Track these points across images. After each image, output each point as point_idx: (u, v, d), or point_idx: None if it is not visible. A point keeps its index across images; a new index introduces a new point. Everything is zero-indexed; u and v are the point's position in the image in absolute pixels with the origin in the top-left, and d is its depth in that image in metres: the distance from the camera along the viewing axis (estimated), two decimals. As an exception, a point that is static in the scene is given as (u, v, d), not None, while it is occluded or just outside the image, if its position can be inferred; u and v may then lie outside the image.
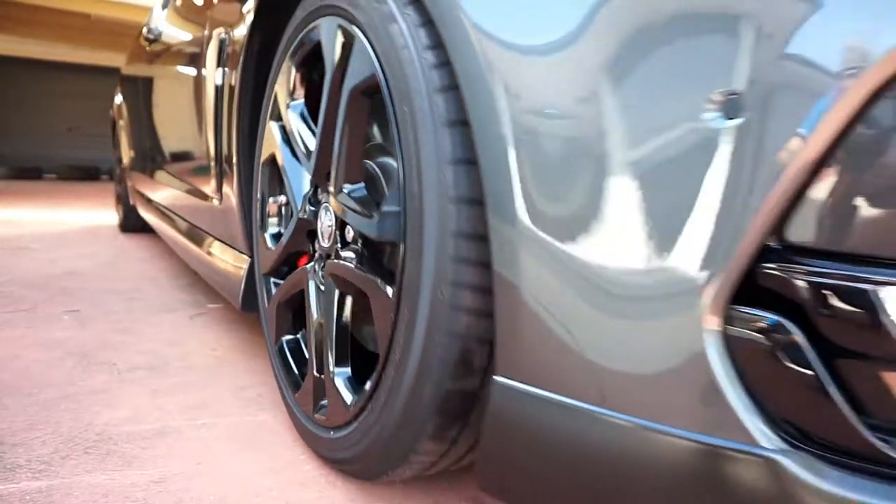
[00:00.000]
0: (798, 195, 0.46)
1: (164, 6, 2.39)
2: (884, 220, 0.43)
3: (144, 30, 2.64)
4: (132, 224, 3.44)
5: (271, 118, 1.14)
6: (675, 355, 0.51)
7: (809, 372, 0.46)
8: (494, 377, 0.64)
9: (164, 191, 2.22)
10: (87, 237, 3.48)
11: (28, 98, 12.10)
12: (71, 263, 2.61)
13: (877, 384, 0.46)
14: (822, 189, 0.45)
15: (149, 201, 2.63)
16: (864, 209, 0.44)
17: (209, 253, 1.60)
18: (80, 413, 1.11)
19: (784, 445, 0.47)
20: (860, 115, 0.43)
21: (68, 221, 4.28)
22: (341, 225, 0.92)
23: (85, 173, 11.34)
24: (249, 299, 1.27)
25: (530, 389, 0.60)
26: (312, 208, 1.01)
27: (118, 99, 3.46)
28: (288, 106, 1.08)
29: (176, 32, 2.06)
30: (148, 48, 2.52)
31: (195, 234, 1.79)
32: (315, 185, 1.01)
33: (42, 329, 1.63)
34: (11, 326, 1.64)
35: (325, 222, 0.96)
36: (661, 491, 0.53)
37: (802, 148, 0.44)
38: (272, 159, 1.14)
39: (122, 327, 1.67)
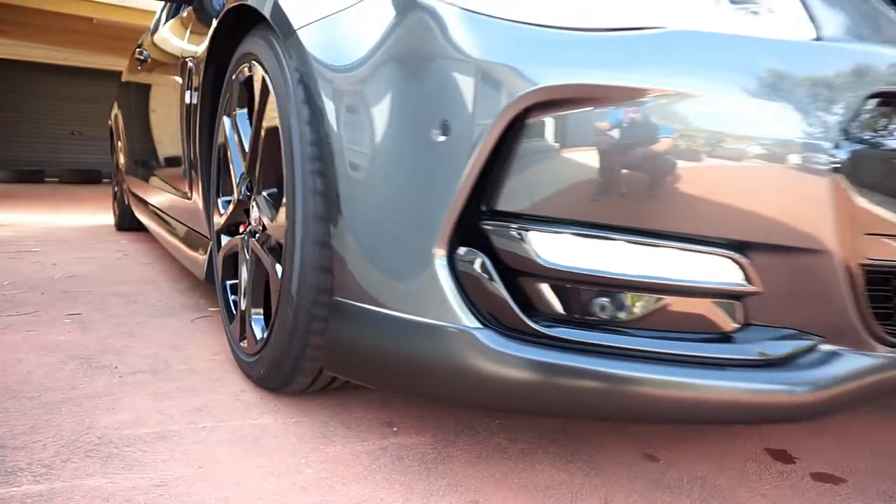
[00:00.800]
0: (477, 182, 0.82)
1: (153, 32, 2.80)
2: (529, 193, 0.81)
3: (136, 51, 3.00)
4: (127, 223, 3.73)
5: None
6: (423, 275, 0.86)
7: (492, 280, 0.83)
8: (334, 297, 1.02)
9: (153, 191, 2.57)
10: (89, 240, 3.48)
11: (31, 102, 12.13)
12: (72, 267, 2.61)
13: (530, 288, 0.84)
14: (493, 176, 0.82)
15: (140, 201, 2.98)
16: (519, 189, 0.81)
17: (184, 240, 1.98)
18: (82, 416, 1.11)
19: (479, 325, 0.83)
20: (503, 137, 0.80)
21: (70, 225, 4.28)
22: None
23: (87, 177, 11.34)
24: (210, 273, 1.64)
25: (350, 302, 0.98)
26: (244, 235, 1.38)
27: (115, 110, 3.81)
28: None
29: (159, 57, 2.43)
30: (139, 67, 2.88)
31: (175, 227, 2.17)
32: (238, 221, 1.43)
33: (44, 332, 1.63)
34: (13, 330, 1.64)
35: (253, 217, 1.32)
36: (419, 354, 0.89)
37: (479, 153, 0.80)
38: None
39: (123, 331, 1.68)
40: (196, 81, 1.68)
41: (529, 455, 1.04)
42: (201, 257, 1.70)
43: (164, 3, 2.41)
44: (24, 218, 4.62)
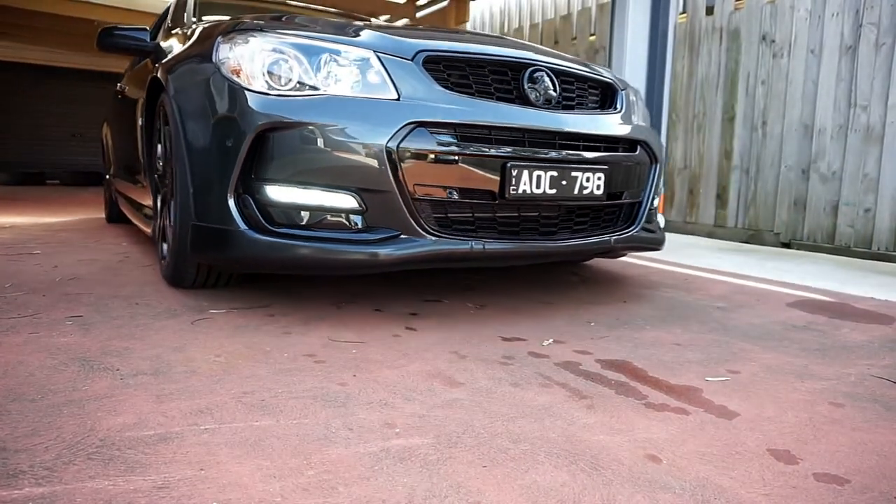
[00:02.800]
0: (244, 164, 1.81)
1: (129, 70, 3.80)
2: (267, 168, 1.81)
3: (118, 85, 3.98)
4: (115, 216, 4.48)
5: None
6: (223, 207, 1.84)
7: (253, 208, 1.82)
8: (191, 222, 1.98)
9: (130, 188, 3.41)
10: (90, 242, 3.49)
11: (32, 104, 12.13)
12: (74, 269, 2.61)
13: (269, 211, 1.82)
14: (253, 161, 1.81)
15: (122, 195, 3.81)
16: (262, 167, 1.81)
17: (143, 218, 2.96)
18: (84, 419, 1.11)
19: (247, 228, 1.81)
20: (253, 143, 1.79)
21: (71, 227, 4.29)
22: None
23: (88, 179, 11.34)
24: (154, 235, 2.57)
25: (198, 224, 1.95)
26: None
27: (105, 128, 4.69)
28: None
29: (130, 90, 3.45)
30: (119, 97, 3.86)
31: (141, 209, 3.04)
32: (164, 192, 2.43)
33: (45, 335, 1.63)
34: (15, 332, 1.64)
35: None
36: (224, 243, 1.86)
37: (243, 151, 1.79)
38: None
39: (125, 332, 1.68)
40: (140, 110, 2.85)
41: (531, 456, 1.04)
42: (149, 229, 2.76)
43: (133, 56, 3.42)
44: (25, 220, 4.63)
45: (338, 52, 1.86)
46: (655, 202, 2.56)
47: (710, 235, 4.93)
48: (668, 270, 3.15)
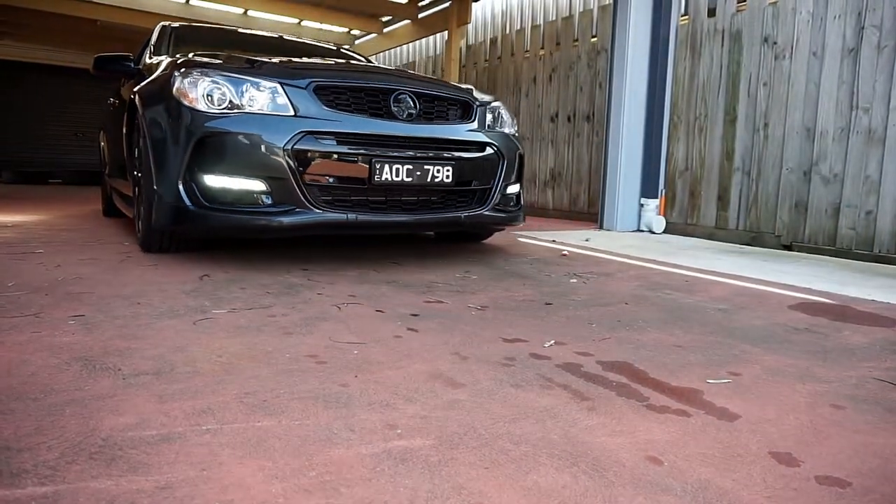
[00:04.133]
0: (190, 159, 2.65)
1: (122, 85, 4.38)
2: (205, 163, 2.66)
3: (111, 99, 4.76)
4: (111, 210, 5.09)
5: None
6: (175, 190, 2.68)
7: (196, 191, 2.65)
8: (154, 203, 2.79)
9: (120, 184, 4.06)
10: (92, 242, 3.49)
11: (34, 104, 12.14)
12: (76, 269, 2.62)
13: (208, 192, 2.66)
14: (195, 158, 2.66)
15: (115, 191, 4.47)
16: (201, 162, 2.65)
17: (128, 205, 3.63)
18: (86, 418, 1.12)
19: (191, 205, 2.66)
20: (195, 146, 2.63)
21: (73, 226, 4.29)
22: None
23: (90, 178, 11.36)
24: (135, 216, 3.30)
25: (163, 202, 2.74)
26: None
27: (102, 134, 5.40)
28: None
29: (118, 104, 4.17)
30: (112, 108, 4.62)
31: (128, 199, 3.62)
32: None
33: (48, 334, 1.63)
34: (17, 331, 1.65)
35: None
36: (176, 214, 2.70)
37: (189, 150, 2.64)
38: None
39: (127, 332, 1.68)
40: (125, 121, 3.54)
41: (533, 458, 1.04)
42: (130, 214, 3.50)
43: (121, 77, 4.21)
44: (27, 219, 4.63)
45: (257, 83, 2.69)
46: (511, 189, 3.31)
47: (711, 237, 4.93)
48: (669, 272, 3.15)
